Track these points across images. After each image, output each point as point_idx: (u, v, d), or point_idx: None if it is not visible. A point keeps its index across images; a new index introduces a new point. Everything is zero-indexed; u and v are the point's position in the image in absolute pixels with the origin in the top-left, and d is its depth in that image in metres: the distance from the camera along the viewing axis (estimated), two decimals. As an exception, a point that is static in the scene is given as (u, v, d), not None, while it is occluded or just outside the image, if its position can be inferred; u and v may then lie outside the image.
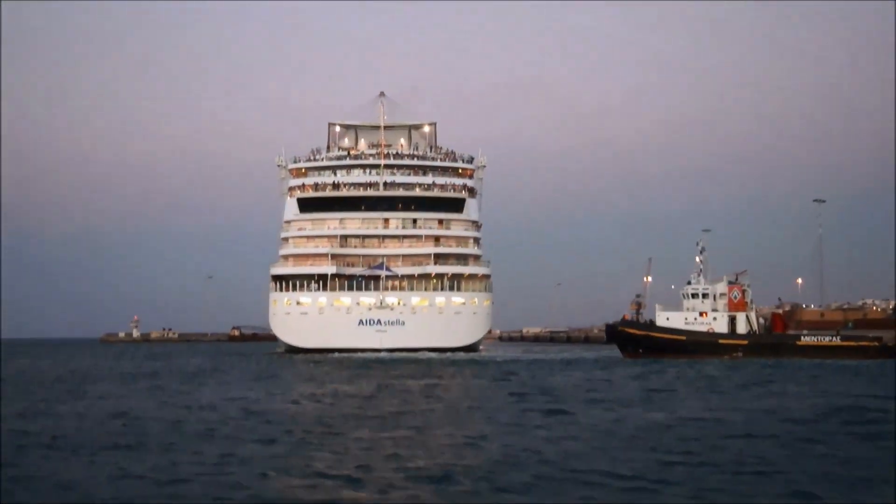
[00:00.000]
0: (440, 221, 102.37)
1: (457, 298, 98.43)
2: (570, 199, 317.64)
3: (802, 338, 78.30)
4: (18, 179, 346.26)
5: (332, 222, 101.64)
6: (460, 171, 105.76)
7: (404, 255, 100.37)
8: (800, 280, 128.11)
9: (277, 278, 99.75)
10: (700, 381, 49.13)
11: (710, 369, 59.65)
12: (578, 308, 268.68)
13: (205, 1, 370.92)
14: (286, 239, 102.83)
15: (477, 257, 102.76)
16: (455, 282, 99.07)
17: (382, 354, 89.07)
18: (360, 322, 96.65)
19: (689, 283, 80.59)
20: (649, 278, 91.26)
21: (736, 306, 78.94)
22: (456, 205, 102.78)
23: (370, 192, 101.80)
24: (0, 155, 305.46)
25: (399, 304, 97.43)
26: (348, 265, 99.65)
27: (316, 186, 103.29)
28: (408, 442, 24.28)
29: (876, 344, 76.18)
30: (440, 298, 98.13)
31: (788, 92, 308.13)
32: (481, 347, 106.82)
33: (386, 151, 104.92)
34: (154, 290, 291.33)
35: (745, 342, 77.58)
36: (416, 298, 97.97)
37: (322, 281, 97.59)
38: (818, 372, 56.50)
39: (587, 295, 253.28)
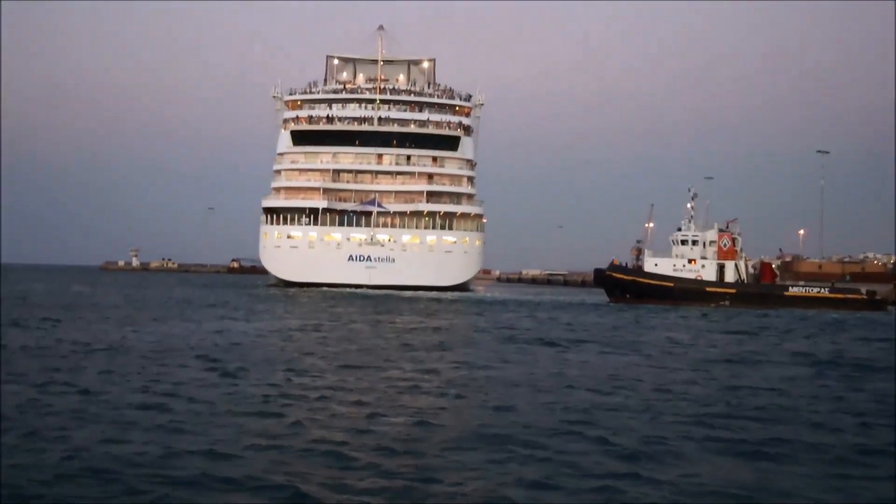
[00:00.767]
0: (434, 159, 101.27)
1: (448, 237, 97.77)
2: (576, 142, 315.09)
3: (791, 288, 77.65)
4: (21, 102, 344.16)
5: (325, 156, 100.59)
6: (457, 108, 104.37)
7: (397, 192, 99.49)
8: (801, 231, 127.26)
9: (269, 211, 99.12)
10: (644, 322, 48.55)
11: (674, 317, 58.94)
12: (581, 252, 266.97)
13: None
14: (278, 171, 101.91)
15: (470, 196, 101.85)
16: (447, 220, 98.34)
17: (362, 290, 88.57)
18: (350, 258, 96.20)
19: (678, 229, 79.64)
20: (651, 224, 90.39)
21: (725, 254, 78.02)
22: (451, 142, 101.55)
23: (364, 127, 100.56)
24: (0, 72, 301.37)
25: (390, 240, 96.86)
26: (340, 200, 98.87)
27: (310, 119, 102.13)
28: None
29: (864, 297, 75.50)
30: (431, 237, 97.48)
31: (794, 40, 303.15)
32: (480, 288, 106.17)
33: (383, 87, 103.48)
34: (157, 220, 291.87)
35: (733, 290, 76.82)
36: (407, 236, 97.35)
37: (313, 215, 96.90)
38: (794, 325, 55.75)
39: (590, 239, 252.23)
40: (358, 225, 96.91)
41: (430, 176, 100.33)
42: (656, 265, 78.74)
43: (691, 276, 77.64)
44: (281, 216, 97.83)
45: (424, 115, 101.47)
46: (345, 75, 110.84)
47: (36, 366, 24.11)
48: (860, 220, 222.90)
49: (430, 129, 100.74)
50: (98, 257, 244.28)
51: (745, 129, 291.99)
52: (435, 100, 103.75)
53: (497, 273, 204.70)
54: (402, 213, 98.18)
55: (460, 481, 12.78)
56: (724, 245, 78.13)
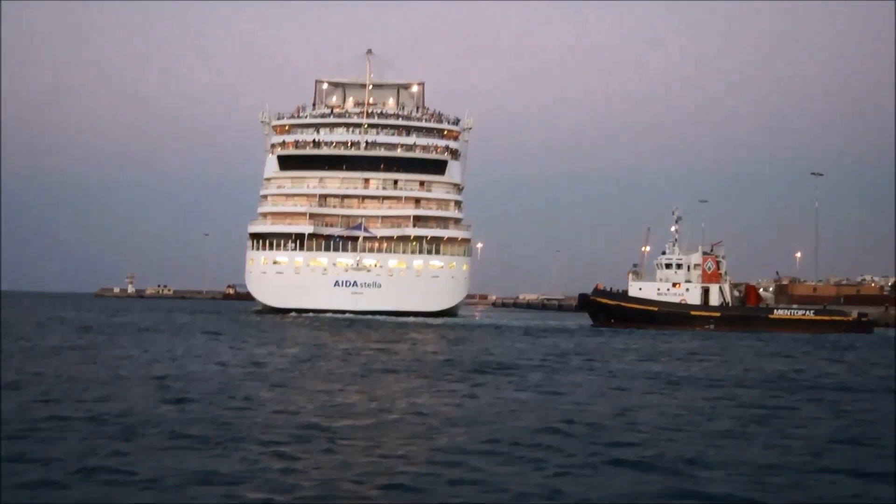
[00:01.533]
0: (421, 183, 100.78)
1: (435, 262, 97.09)
2: (574, 163, 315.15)
3: (775, 311, 77.09)
4: (20, 118, 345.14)
5: (312, 181, 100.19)
6: (445, 132, 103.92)
7: (383, 217, 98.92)
8: (798, 254, 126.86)
9: (255, 236, 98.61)
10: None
11: (649, 340, 58.16)
12: (579, 276, 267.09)
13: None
14: (265, 196, 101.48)
15: (457, 220, 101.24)
16: (434, 245, 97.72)
17: (347, 315, 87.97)
18: (336, 283, 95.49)
19: (663, 252, 79.13)
20: (647, 248, 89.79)
21: (709, 277, 77.46)
22: (438, 166, 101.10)
23: (352, 152, 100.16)
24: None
25: (376, 265, 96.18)
26: (327, 225, 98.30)
27: (297, 144, 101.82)
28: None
29: (849, 319, 74.87)
30: (418, 261, 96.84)
31: (790, 63, 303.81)
32: (476, 313, 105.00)
33: (370, 111, 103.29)
34: (152, 247, 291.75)
35: (718, 314, 76.19)
36: (393, 261, 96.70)
37: (299, 240, 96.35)
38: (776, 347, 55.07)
39: (589, 262, 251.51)
40: (344, 250, 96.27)
41: (417, 200, 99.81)
42: (640, 289, 78.21)
43: (675, 299, 77.05)
44: (267, 241, 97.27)
45: (412, 139, 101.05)
46: (334, 99, 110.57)
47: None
48: (859, 243, 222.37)
49: (417, 153, 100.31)
50: (93, 284, 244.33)
51: (742, 150, 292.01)
52: (423, 123, 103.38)
53: (493, 297, 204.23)
54: (389, 238, 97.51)
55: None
56: (709, 268, 77.58)
